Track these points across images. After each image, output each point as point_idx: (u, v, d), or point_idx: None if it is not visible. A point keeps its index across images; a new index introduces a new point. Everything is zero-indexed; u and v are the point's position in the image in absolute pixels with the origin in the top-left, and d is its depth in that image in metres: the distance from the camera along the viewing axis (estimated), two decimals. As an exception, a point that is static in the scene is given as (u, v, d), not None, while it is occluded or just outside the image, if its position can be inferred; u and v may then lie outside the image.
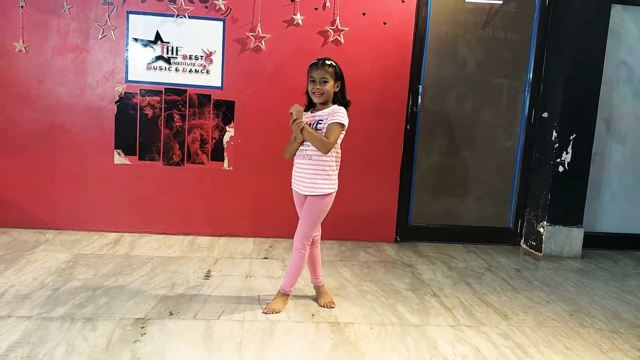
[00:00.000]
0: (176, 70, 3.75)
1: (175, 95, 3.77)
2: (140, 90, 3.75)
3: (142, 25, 3.70)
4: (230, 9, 3.73)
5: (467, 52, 4.08)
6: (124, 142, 3.78)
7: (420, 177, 4.14)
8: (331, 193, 2.56)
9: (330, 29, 3.79)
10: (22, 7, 3.60)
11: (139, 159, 3.81)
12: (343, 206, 3.91)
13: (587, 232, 4.06)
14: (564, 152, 3.94)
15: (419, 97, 3.98)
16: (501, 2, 4.04)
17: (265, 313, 2.55)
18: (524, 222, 4.24)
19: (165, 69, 3.74)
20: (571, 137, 3.93)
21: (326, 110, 2.52)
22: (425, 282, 3.19)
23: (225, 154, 3.86)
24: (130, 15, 3.68)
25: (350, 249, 3.80)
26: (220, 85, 3.79)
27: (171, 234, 3.87)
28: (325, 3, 3.78)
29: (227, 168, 3.88)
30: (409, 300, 2.86)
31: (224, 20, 3.74)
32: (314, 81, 2.49)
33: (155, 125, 3.79)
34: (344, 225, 3.98)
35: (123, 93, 3.74)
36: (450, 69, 4.08)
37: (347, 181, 3.90)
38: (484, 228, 4.24)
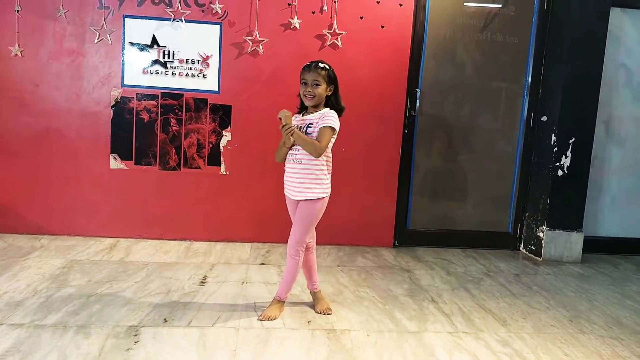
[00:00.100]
0: (172, 74, 3.73)
1: (172, 100, 3.75)
2: (137, 94, 3.72)
3: (138, 29, 3.68)
4: (227, 12, 3.72)
5: (466, 55, 4.06)
6: (120, 147, 3.75)
7: (419, 182, 4.12)
8: (323, 198, 2.52)
9: (328, 32, 3.77)
10: (17, 11, 3.59)
11: (135, 164, 3.78)
12: (341, 211, 3.90)
13: (586, 237, 4.03)
14: (563, 156, 3.91)
15: (417, 101, 3.96)
16: (500, 5, 4.02)
17: (261, 320, 2.51)
18: (523, 227, 4.21)
19: (162, 73, 3.72)
20: (570, 141, 3.90)
21: (317, 114, 2.49)
22: (424, 288, 3.16)
23: (222, 159, 3.84)
24: (126, 19, 3.66)
25: (348, 254, 3.77)
26: (217, 89, 3.77)
27: (168, 240, 3.84)
28: (322, 7, 3.76)
29: (224, 173, 3.85)
30: (406, 307, 2.83)
31: (220, 24, 3.72)
32: (306, 83, 2.46)
33: (152, 130, 3.76)
34: (342, 230, 3.95)
35: (119, 97, 3.71)
36: (448, 72, 4.06)
37: (345, 186, 3.89)
38: (483, 233, 4.21)
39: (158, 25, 3.69)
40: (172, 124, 3.77)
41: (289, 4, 3.74)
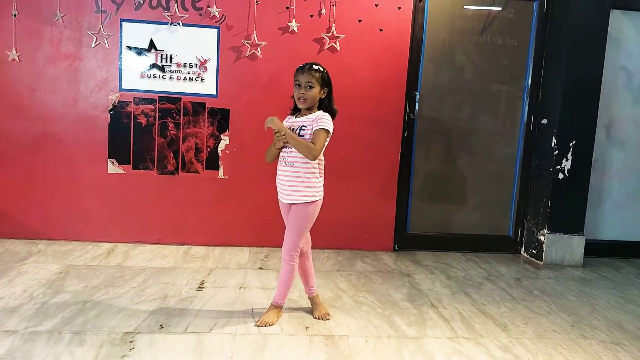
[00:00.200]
0: (170, 78, 3.71)
1: (170, 104, 3.73)
2: (134, 98, 3.71)
3: (135, 33, 3.66)
4: (225, 16, 3.70)
5: (465, 58, 4.04)
6: (117, 151, 3.73)
7: (419, 185, 4.09)
8: (315, 201, 2.49)
9: (326, 36, 3.75)
10: (14, 15, 3.57)
11: (133, 168, 3.76)
12: (340, 215, 3.88)
13: (588, 240, 4.00)
14: (564, 159, 3.88)
15: (417, 104, 3.94)
16: (500, 8, 4.01)
17: (258, 326, 2.48)
18: (524, 230, 4.18)
19: (159, 77, 3.70)
20: (571, 144, 3.88)
21: (310, 116, 2.46)
22: (424, 293, 3.13)
23: (220, 163, 3.81)
24: (123, 23, 3.65)
25: (348, 259, 3.74)
26: (215, 93, 3.75)
27: (166, 244, 3.82)
28: (320, 10, 3.74)
29: (222, 177, 3.83)
30: (406, 312, 2.80)
31: (218, 28, 3.70)
32: (299, 85, 2.44)
33: (149, 134, 3.74)
34: (341, 234, 3.92)
35: (117, 101, 3.70)
36: (447, 75, 4.04)
37: (345, 189, 3.87)
38: (484, 236, 4.18)
39: (155, 29, 3.67)
40: (170, 128, 3.75)
41: (287, 7, 3.72)
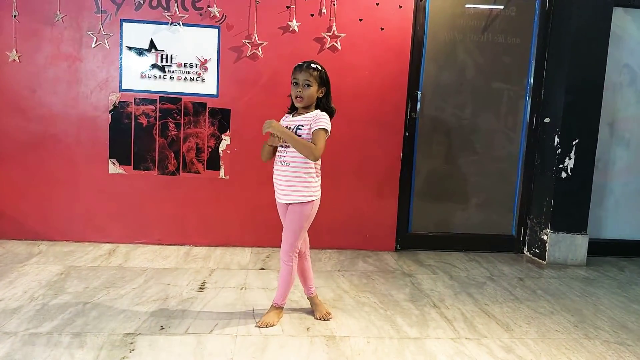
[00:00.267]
0: (171, 78, 3.70)
1: (170, 104, 3.72)
2: (135, 99, 3.70)
3: (136, 34, 3.65)
4: (225, 16, 3.69)
5: (467, 57, 4.02)
6: (118, 152, 3.73)
7: (420, 185, 4.07)
8: (312, 201, 2.47)
9: (327, 35, 3.73)
10: (15, 16, 3.57)
11: (134, 169, 3.75)
12: (342, 215, 3.87)
13: (591, 239, 3.97)
14: (567, 158, 3.86)
15: (418, 103, 3.92)
16: (501, 6, 3.98)
17: (259, 327, 2.47)
18: (527, 230, 4.15)
19: (160, 77, 3.69)
20: (574, 143, 3.85)
21: (308, 115, 2.44)
22: (426, 293, 3.11)
23: (221, 163, 3.80)
24: (124, 24, 3.64)
25: (350, 259, 3.73)
26: (215, 93, 3.74)
27: (167, 245, 3.81)
28: (321, 9, 3.72)
29: (224, 177, 3.82)
30: (408, 312, 2.78)
31: (218, 28, 3.69)
32: (297, 84, 2.42)
33: (150, 135, 3.73)
34: (343, 234, 3.91)
35: (117, 102, 3.69)
36: (449, 74, 4.02)
37: (346, 189, 3.86)
38: (486, 236, 4.15)
39: (156, 29, 3.66)
40: (170, 128, 3.74)
41: (288, 7, 3.71)
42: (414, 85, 3.90)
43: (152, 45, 3.67)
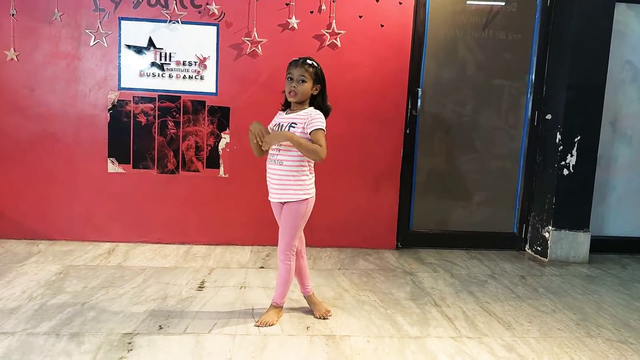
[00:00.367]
0: (170, 76, 3.68)
1: (169, 102, 3.70)
2: (134, 97, 3.68)
3: (134, 32, 3.63)
4: (224, 13, 3.67)
5: (468, 53, 3.99)
6: (117, 151, 3.71)
7: (421, 182, 4.05)
8: (306, 199, 2.44)
9: (327, 32, 3.71)
10: (12, 15, 3.55)
11: (133, 167, 3.74)
12: (342, 213, 3.85)
13: (594, 237, 3.94)
14: (569, 155, 3.83)
15: (419, 100, 3.89)
16: (503, 3, 3.95)
17: (258, 326, 2.45)
18: (528, 227, 4.13)
19: (159, 76, 3.67)
20: (576, 140, 3.82)
21: (301, 113, 2.42)
22: (426, 291, 3.09)
23: (220, 161, 3.78)
24: (122, 22, 3.62)
25: (350, 257, 3.71)
26: (214, 91, 3.72)
27: (166, 244, 3.79)
28: (320, 6, 3.70)
29: (223, 175, 3.80)
30: (408, 311, 2.76)
31: (217, 25, 3.67)
32: (291, 79, 2.40)
33: (149, 133, 3.72)
34: (343, 232, 3.89)
35: (116, 100, 3.67)
36: (450, 71, 3.99)
37: (347, 187, 3.84)
38: (488, 233, 4.13)
39: (154, 27, 3.64)
40: (169, 126, 3.72)
41: (287, 4, 3.68)
42: (414, 82, 3.88)
43: (151, 43, 3.65)
